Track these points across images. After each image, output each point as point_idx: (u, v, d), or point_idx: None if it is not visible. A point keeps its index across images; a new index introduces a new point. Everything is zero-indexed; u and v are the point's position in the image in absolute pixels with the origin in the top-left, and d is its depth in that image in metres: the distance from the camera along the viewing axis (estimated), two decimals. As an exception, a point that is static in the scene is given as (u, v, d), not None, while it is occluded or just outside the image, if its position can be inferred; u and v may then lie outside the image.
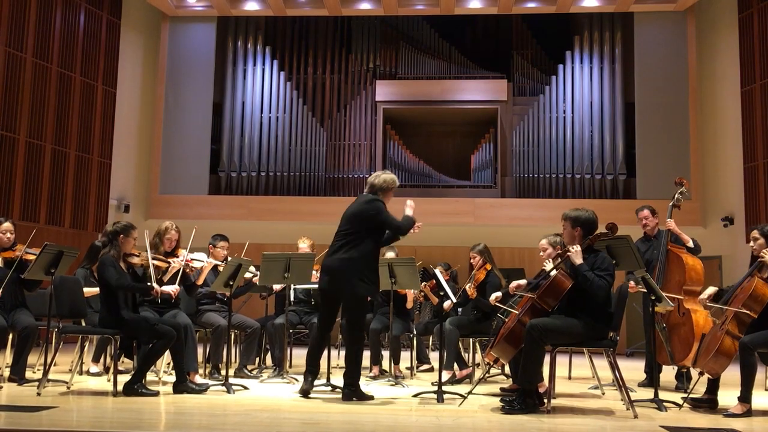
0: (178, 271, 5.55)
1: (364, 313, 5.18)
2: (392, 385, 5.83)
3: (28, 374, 5.64)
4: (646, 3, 11.72)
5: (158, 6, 12.21)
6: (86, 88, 11.28)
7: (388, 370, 6.44)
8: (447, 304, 6.13)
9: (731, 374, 4.86)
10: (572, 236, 4.72)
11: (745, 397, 4.55)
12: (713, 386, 4.84)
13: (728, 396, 4.84)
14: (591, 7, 11.93)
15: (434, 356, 7.63)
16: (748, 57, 11.10)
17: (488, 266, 6.33)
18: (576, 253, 4.58)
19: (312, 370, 5.02)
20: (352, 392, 4.90)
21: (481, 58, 12.78)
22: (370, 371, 6.46)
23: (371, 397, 4.96)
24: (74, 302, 5.58)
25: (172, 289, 5.46)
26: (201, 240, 6.48)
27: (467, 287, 6.24)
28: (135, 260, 5.20)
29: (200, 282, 5.89)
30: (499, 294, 5.82)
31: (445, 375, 5.82)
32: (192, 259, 5.66)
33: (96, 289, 5.97)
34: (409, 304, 6.83)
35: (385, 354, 6.69)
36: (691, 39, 11.79)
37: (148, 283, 5.15)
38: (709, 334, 4.95)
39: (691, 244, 5.98)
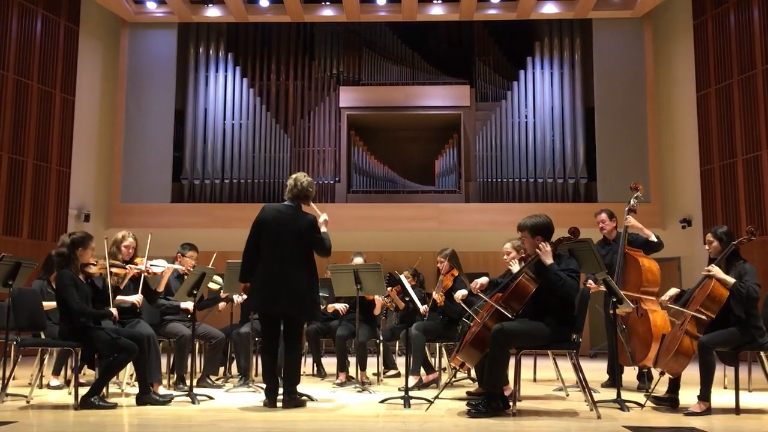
0: (139, 279, 5.48)
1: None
2: (359, 391, 5.82)
3: (-14, 389, 5.50)
4: (604, 10, 11.95)
5: (117, 12, 12.05)
6: (44, 96, 11.07)
7: (354, 376, 6.43)
8: (424, 308, 6.16)
9: (691, 373, 4.96)
10: (533, 246, 4.73)
11: (704, 396, 4.65)
12: (674, 385, 4.94)
13: (689, 395, 4.94)
14: (550, 14, 12.12)
15: (401, 361, 7.64)
16: (703, 62, 11.38)
17: (455, 272, 6.36)
18: (546, 252, 4.61)
19: (273, 388, 4.97)
20: (294, 399, 4.94)
21: (443, 65, 12.89)
22: (337, 378, 6.45)
23: (307, 399, 5.14)
24: (33, 314, 5.46)
25: (136, 299, 5.40)
26: (168, 249, 6.40)
27: (435, 296, 6.26)
28: (93, 270, 5.12)
29: (161, 288, 5.79)
30: (464, 292, 5.83)
31: (412, 380, 5.83)
32: (151, 266, 5.59)
33: (54, 303, 5.85)
34: (377, 311, 6.83)
35: (352, 360, 6.68)
36: (648, 45, 12.05)
37: (107, 309, 5.05)
38: (669, 335, 5.05)
39: (653, 238, 6.10)
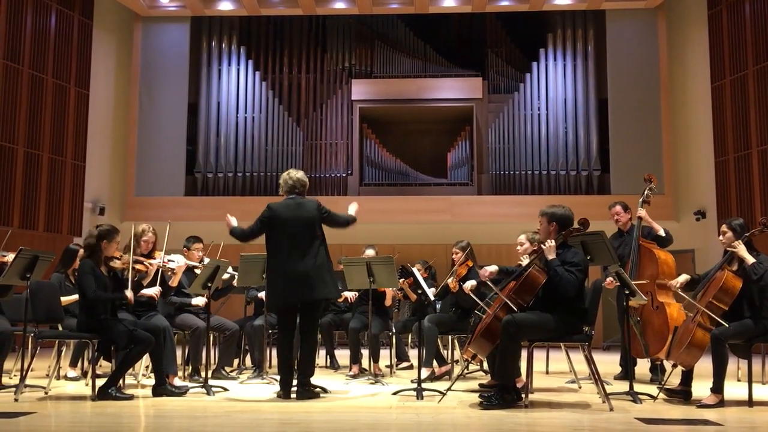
0: (158, 272, 5.54)
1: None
2: (372, 383, 5.86)
3: (5, 380, 5.59)
4: (617, 0, 11.86)
5: (130, 6, 12.10)
6: (58, 90, 11.15)
7: (367, 368, 6.47)
8: (432, 291, 6.19)
9: (704, 366, 4.95)
10: (548, 232, 4.80)
11: (717, 388, 4.66)
12: (687, 378, 4.94)
13: (702, 387, 4.93)
14: (563, 5, 12.04)
15: (413, 354, 7.68)
16: (718, 53, 11.28)
17: (470, 263, 6.38)
18: (549, 248, 4.67)
19: (287, 380, 5.02)
20: (308, 390, 4.99)
21: (456, 57, 12.86)
22: (350, 370, 6.48)
23: (321, 391, 5.17)
24: (50, 307, 5.52)
25: (154, 291, 5.47)
26: (181, 242, 6.45)
27: (449, 281, 6.28)
28: (117, 264, 5.18)
29: (174, 284, 5.84)
30: (474, 282, 5.86)
31: (425, 372, 5.86)
32: (168, 260, 5.64)
33: (73, 297, 5.91)
34: (388, 302, 6.86)
35: (365, 352, 6.72)
36: (662, 36, 11.95)
37: (124, 291, 5.10)
38: (681, 327, 5.04)
39: (662, 233, 6.09)
